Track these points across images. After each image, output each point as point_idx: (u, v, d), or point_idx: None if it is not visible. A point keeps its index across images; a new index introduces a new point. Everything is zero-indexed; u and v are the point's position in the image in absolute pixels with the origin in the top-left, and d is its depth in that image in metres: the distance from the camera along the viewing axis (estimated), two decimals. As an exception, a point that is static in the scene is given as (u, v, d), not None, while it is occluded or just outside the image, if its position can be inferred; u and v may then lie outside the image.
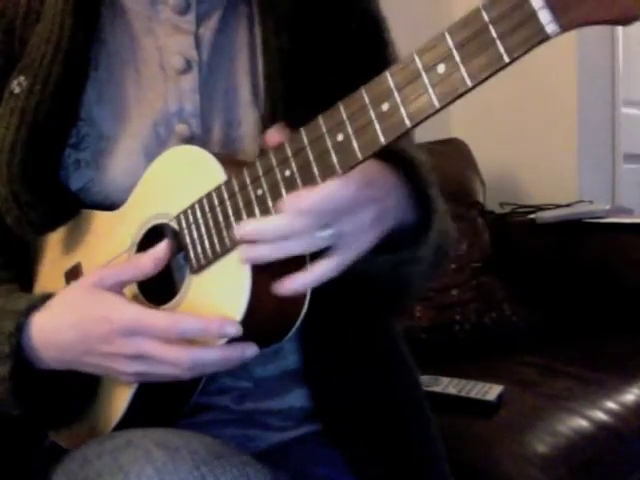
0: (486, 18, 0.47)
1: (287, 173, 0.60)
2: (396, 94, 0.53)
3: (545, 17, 0.45)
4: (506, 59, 0.47)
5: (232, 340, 0.64)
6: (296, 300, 0.67)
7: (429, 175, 0.69)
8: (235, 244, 0.63)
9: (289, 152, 0.60)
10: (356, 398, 0.80)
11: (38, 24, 0.79)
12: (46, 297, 0.72)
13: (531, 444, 1.18)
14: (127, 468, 0.60)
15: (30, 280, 0.86)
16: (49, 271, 0.84)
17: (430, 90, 0.51)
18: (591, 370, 1.46)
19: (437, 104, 0.51)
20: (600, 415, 1.29)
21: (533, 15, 0.45)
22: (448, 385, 1.33)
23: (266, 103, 0.77)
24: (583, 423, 1.26)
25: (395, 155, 0.67)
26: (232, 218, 0.63)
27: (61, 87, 0.76)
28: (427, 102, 0.51)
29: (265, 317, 0.66)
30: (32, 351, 0.71)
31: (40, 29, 0.79)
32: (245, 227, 0.61)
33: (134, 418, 0.72)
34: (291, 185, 0.60)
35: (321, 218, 0.59)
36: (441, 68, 0.50)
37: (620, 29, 2.27)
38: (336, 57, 0.79)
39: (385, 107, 0.54)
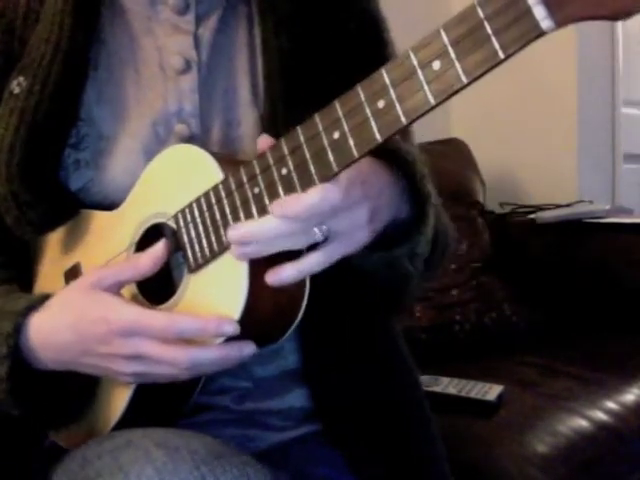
0: (481, 14, 0.47)
1: (284, 171, 0.60)
2: (391, 91, 0.53)
3: (540, 13, 0.45)
4: (501, 55, 0.47)
5: (230, 339, 0.64)
6: (294, 299, 0.67)
7: (424, 169, 0.69)
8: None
9: (285, 150, 0.60)
10: (356, 398, 0.80)
11: (38, 24, 0.80)
12: (45, 297, 0.72)
13: (531, 444, 1.18)
14: (127, 468, 0.60)
15: (30, 280, 0.86)
16: (48, 271, 0.84)
17: (425, 87, 0.51)
18: (591, 370, 1.46)
19: (432, 101, 0.51)
20: (600, 415, 1.29)
21: (528, 11, 0.45)
22: (448, 385, 1.33)
23: (265, 103, 0.78)
24: (583, 423, 1.26)
25: (389, 152, 0.67)
26: (229, 217, 0.63)
27: (60, 87, 0.77)
28: (422, 99, 0.51)
29: (263, 316, 0.66)
30: (30, 352, 0.71)
31: (40, 29, 0.79)
32: (235, 232, 0.62)
33: (133, 418, 0.72)
34: (288, 183, 0.60)
35: (310, 221, 0.59)
36: (436, 65, 0.50)
37: (620, 29, 2.27)
38: (335, 57, 0.79)
39: (381, 104, 0.54)
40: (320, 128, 0.57)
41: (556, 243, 1.86)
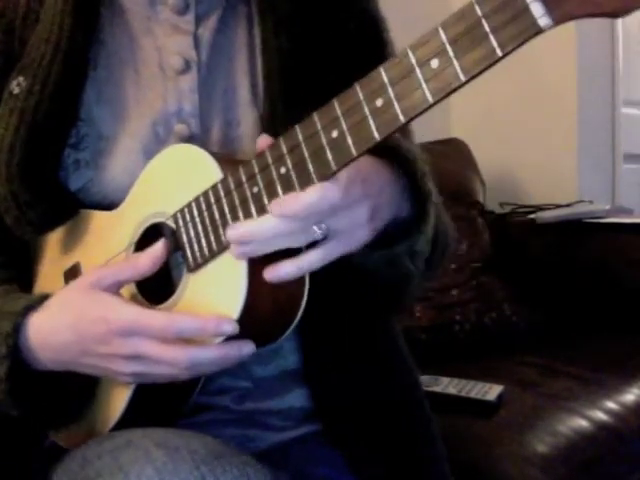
0: (479, 12, 0.47)
1: (282, 170, 0.60)
2: (390, 89, 0.53)
3: (537, 10, 0.45)
4: (499, 53, 0.47)
5: (229, 338, 0.64)
6: (293, 298, 0.67)
7: (425, 167, 0.69)
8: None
9: (284, 149, 0.60)
10: (356, 398, 0.80)
11: (38, 24, 0.80)
12: (44, 297, 0.72)
13: (531, 444, 1.18)
14: (127, 468, 0.60)
15: (29, 280, 0.86)
16: (48, 271, 0.84)
17: (424, 85, 0.51)
18: (591, 370, 1.46)
19: (431, 99, 0.51)
20: (600, 415, 1.29)
21: (526, 9, 0.45)
22: (448, 385, 1.33)
23: (265, 103, 0.78)
24: (583, 423, 1.25)
25: (390, 150, 0.67)
26: (228, 216, 0.63)
27: (60, 87, 0.77)
28: (421, 97, 0.51)
29: (262, 315, 0.66)
30: (29, 352, 0.71)
31: (40, 29, 0.79)
32: (234, 231, 0.62)
33: (133, 418, 0.72)
34: (287, 182, 0.59)
35: (309, 220, 0.59)
36: (434, 63, 0.50)
37: (620, 28, 2.27)
38: (335, 57, 0.79)
39: (379, 103, 0.53)
40: (319, 127, 0.57)
41: (556, 243, 1.86)
